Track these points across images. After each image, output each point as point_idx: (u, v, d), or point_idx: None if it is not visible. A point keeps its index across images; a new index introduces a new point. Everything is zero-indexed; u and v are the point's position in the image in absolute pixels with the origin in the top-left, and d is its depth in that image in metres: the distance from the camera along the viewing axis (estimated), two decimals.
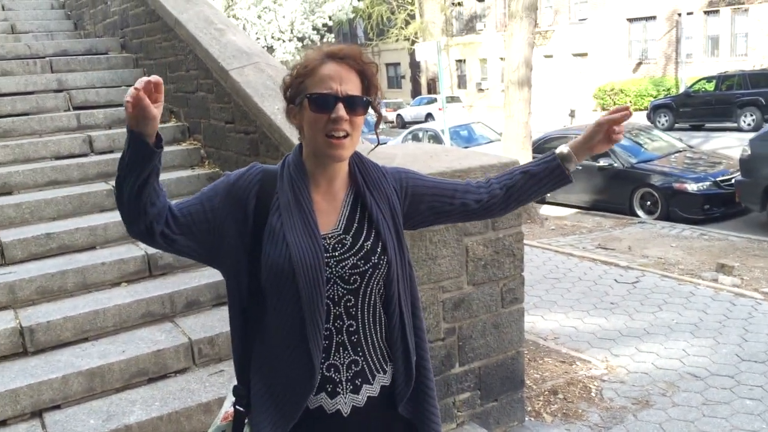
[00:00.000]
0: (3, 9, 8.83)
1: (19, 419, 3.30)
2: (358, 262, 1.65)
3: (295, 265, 1.58)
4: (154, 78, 1.51)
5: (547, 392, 4.59)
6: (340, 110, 1.59)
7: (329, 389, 1.67)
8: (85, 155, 5.37)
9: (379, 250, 1.67)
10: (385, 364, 1.73)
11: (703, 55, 26.58)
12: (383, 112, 1.96)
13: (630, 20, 28.86)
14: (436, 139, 14.62)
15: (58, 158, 5.27)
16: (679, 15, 26.54)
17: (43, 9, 9.12)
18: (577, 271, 7.55)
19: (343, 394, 1.67)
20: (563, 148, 1.83)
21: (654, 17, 27.90)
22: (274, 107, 4.29)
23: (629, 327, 5.74)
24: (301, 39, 19.30)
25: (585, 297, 6.64)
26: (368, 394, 1.69)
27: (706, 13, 26.38)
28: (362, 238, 1.67)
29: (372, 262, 1.66)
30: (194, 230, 1.67)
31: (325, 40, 20.90)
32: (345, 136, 1.60)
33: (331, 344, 1.66)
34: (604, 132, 1.81)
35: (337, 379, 1.67)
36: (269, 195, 1.67)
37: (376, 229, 1.69)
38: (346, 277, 1.64)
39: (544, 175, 1.83)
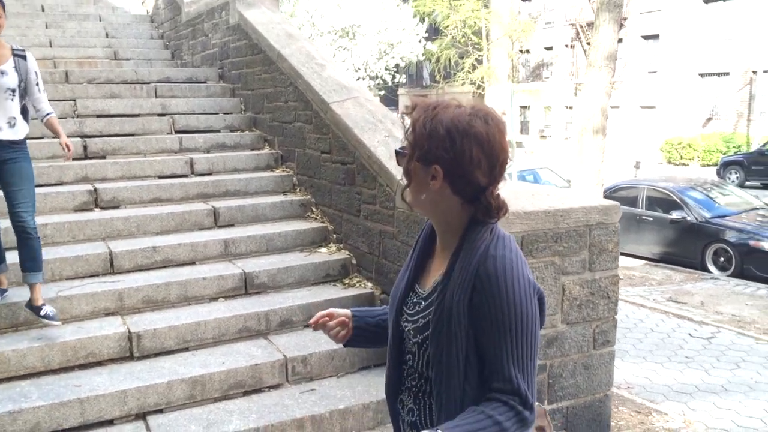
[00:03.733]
0: (107, 36, 9.43)
1: (124, 420, 3.48)
2: (413, 331, 1.67)
3: (388, 307, 1.81)
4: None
5: None
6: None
7: (401, 421, 1.78)
8: (186, 176, 5.68)
9: (427, 331, 1.62)
10: None
11: None
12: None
13: (702, 75, 28.50)
14: None
15: (161, 177, 5.59)
16: (754, 72, 26.08)
17: (143, 38, 9.69)
18: (649, 322, 7.45)
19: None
20: None
21: (727, 73, 27.49)
22: (373, 140, 4.48)
23: (706, 382, 5.64)
24: (373, 78, 19.78)
25: (658, 349, 6.55)
26: None
27: None
28: (426, 312, 1.64)
29: (418, 339, 1.65)
30: None
31: (395, 80, 21.37)
32: (405, 187, 1.67)
33: (403, 384, 1.75)
34: None
35: (403, 417, 1.76)
36: None
37: (435, 311, 1.60)
38: (411, 338, 1.69)
39: None
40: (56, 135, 4.14)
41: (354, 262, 4.81)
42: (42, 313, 3.73)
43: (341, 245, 4.99)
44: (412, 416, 1.71)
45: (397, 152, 1.65)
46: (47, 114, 4.02)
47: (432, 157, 1.54)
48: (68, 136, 5.69)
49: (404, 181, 1.65)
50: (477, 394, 1.55)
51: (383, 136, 4.53)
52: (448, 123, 1.53)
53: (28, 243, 3.78)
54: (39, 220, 4.68)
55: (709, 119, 28.37)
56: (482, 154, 1.52)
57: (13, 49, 3.85)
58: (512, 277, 1.51)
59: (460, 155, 1.52)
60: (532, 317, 1.53)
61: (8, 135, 3.77)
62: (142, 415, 3.53)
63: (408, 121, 1.62)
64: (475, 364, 1.55)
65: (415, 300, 1.70)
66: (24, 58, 3.87)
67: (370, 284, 4.60)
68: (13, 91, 3.80)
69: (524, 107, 37.57)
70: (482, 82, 33.11)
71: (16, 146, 3.82)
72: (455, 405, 1.57)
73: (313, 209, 5.39)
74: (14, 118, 3.81)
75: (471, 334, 1.54)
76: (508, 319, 1.50)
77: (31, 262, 3.78)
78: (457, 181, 1.54)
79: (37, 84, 3.95)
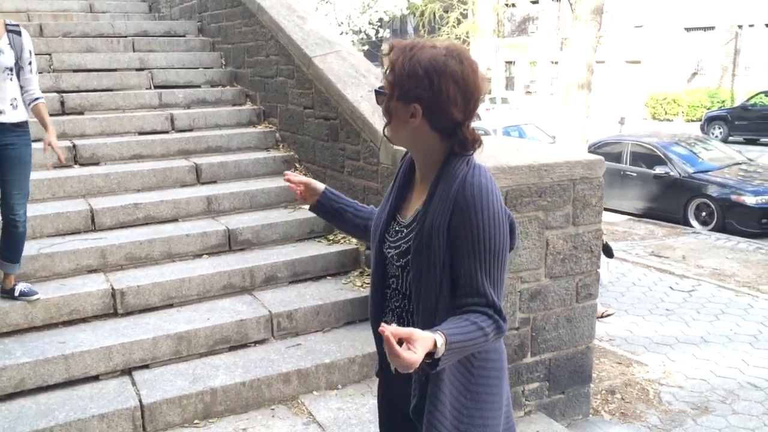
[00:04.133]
0: None
1: (110, 375, 3.49)
2: (396, 256, 1.79)
3: (370, 235, 1.93)
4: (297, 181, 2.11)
5: (604, 391, 4.64)
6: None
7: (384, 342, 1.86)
8: (166, 132, 5.59)
9: (409, 255, 1.74)
10: None
11: (762, 69, 25.97)
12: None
13: (687, 29, 28.34)
14: None
15: (141, 133, 5.51)
16: (740, 27, 25.97)
17: None
18: (631, 276, 7.55)
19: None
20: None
21: (713, 27, 27.35)
22: (357, 95, 4.42)
23: (686, 334, 5.74)
24: (356, 32, 19.48)
25: (640, 302, 6.65)
26: None
27: None
28: (408, 238, 1.76)
29: (401, 263, 1.77)
30: None
31: (379, 35, 21.06)
32: (386, 125, 1.77)
33: (387, 306, 1.88)
34: None
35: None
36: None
37: (416, 235, 1.72)
38: (394, 262, 1.81)
39: None
40: (43, 126, 3.78)
41: None
42: (17, 293, 3.63)
43: None
44: None
45: (376, 92, 1.74)
46: (36, 99, 3.72)
47: (411, 96, 1.64)
48: (44, 92, 5.63)
49: (385, 119, 1.73)
50: (447, 313, 1.69)
51: (366, 90, 4.47)
52: (426, 63, 1.63)
53: (14, 234, 3.61)
54: None
55: (694, 74, 28.32)
56: (458, 92, 1.63)
57: (6, 25, 3.58)
58: (487, 202, 1.64)
59: (437, 93, 1.62)
60: (504, 238, 1.67)
61: (11, 117, 3.56)
62: (127, 371, 3.54)
63: (386, 62, 1.71)
64: (448, 286, 1.69)
65: (396, 228, 1.82)
66: (18, 33, 3.59)
67: (354, 240, 4.59)
68: (11, 69, 3.55)
69: (509, 62, 37.25)
70: (467, 37, 32.68)
71: (19, 129, 3.60)
72: (431, 322, 1.67)
73: (297, 165, 5.35)
74: (15, 99, 3.58)
75: (447, 257, 1.67)
76: (483, 239, 1.64)
77: (10, 252, 3.64)
78: (435, 118, 1.66)
79: (30, 63, 3.66)
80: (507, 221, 1.69)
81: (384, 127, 1.75)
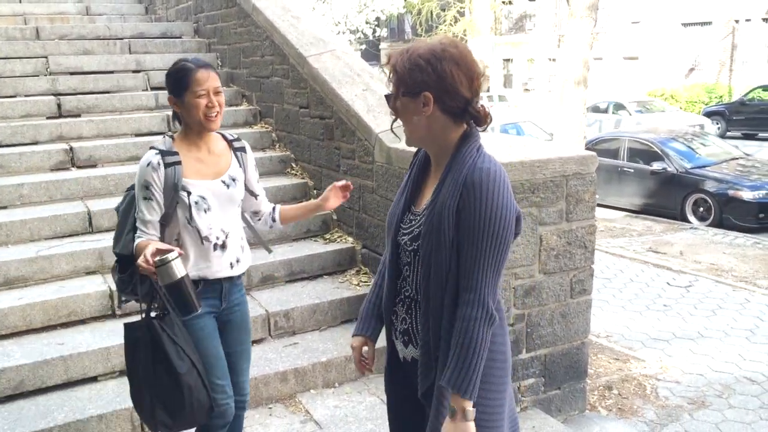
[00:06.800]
0: None
1: (108, 376, 3.52)
2: (409, 241, 1.88)
3: (385, 224, 2.02)
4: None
5: (601, 387, 4.67)
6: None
7: (393, 330, 2.01)
8: (163, 133, 5.56)
9: (420, 239, 1.82)
10: None
11: (759, 64, 25.99)
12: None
13: (685, 25, 28.35)
14: None
15: (137, 135, 5.52)
16: (737, 21, 25.98)
17: None
18: (629, 272, 7.57)
19: (397, 341, 1.99)
20: None
21: (710, 23, 27.35)
22: (351, 94, 4.44)
23: (683, 329, 5.76)
24: (353, 32, 19.51)
25: (637, 298, 6.67)
26: (411, 355, 1.94)
27: (765, 20, 25.77)
28: (421, 223, 1.84)
29: (413, 247, 1.86)
30: None
31: (376, 34, 21.06)
32: (392, 121, 1.92)
33: (398, 296, 1.97)
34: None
35: (396, 326, 1.99)
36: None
37: (426, 218, 1.81)
38: (407, 248, 1.90)
39: None
40: (306, 212, 2.88)
41: (334, 217, 4.81)
42: None
43: None
44: (405, 324, 1.94)
45: (386, 96, 1.87)
46: (274, 208, 2.84)
47: (419, 85, 1.76)
48: (41, 95, 5.67)
49: (394, 117, 1.87)
50: (454, 297, 1.78)
51: (361, 89, 4.49)
52: (425, 54, 1.76)
53: (240, 418, 2.88)
54: (14, 180, 4.65)
55: (692, 69, 28.32)
56: (461, 72, 1.75)
57: (229, 142, 2.62)
58: (494, 187, 1.72)
59: (443, 77, 1.74)
60: (507, 224, 1.73)
61: (244, 265, 2.71)
62: (125, 371, 3.54)
63: (387, 70, 1.85)
64: (455, 270, 1.76)
65: (410, 217, 1.92)
66: (244, 150, 2.65)
67: (350, 239, 4.62)
68: (241, 200, 2.65)
69: (507, 60, 37.27)
70: (464, 35, 32.68)
71: (240, 282, 2.76)
72: (439, 306, 1.80)
73: (293, 165, 5.37)
74: (243, 238, 2.72)
75: (455, 240, 1.74)
76: (486, 222, 1.71)
77: None
78: (445, 99, 1.76)
79: (258, 180, 2.77)
80: (513, 209, 1.76)
81: (392, 125, 1.89)
